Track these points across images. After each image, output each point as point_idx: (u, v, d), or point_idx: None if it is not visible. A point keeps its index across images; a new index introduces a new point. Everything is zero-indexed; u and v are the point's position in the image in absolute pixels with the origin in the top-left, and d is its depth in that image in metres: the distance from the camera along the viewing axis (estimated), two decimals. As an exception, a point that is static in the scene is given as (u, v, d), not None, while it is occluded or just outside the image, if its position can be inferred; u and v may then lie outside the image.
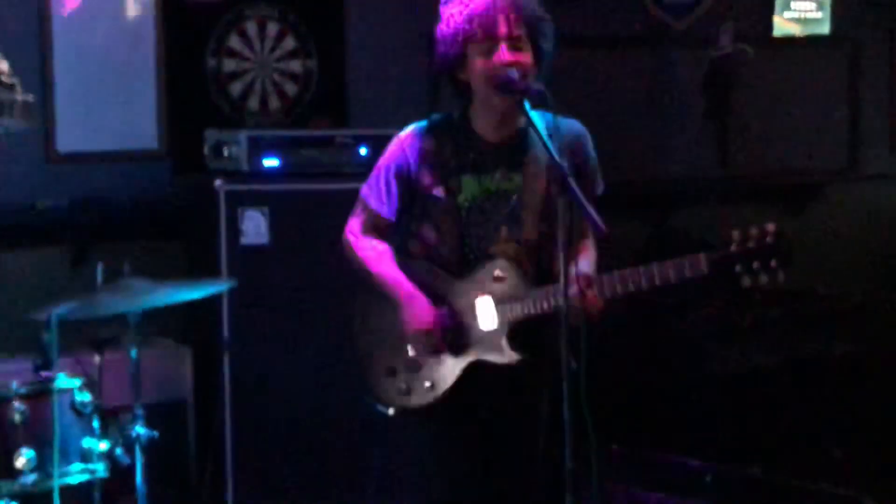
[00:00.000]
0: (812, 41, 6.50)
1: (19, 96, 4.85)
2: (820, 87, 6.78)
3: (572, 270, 3.07)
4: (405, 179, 3.36)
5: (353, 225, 3.46)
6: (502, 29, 3.20)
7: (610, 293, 3.18)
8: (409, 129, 3.41)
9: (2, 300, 4.09)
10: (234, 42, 5.30)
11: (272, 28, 5.37)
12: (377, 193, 3.40)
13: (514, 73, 3.17)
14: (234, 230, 4.63)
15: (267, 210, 4.68)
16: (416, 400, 3.33)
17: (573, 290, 3.05)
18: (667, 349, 5.77)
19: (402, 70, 5.55)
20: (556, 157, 3.03)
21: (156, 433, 3.82)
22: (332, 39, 5.48)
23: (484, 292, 3.29)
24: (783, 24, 6.35)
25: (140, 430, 3.78)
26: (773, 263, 3.03)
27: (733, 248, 3.07)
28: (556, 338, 2.96)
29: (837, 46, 6.71)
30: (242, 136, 4.74)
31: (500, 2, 3.22)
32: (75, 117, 4.96)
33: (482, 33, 3.20)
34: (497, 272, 3.28)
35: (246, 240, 4.66)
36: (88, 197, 4.92)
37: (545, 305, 3.22)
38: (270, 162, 4.74)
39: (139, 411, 3.78)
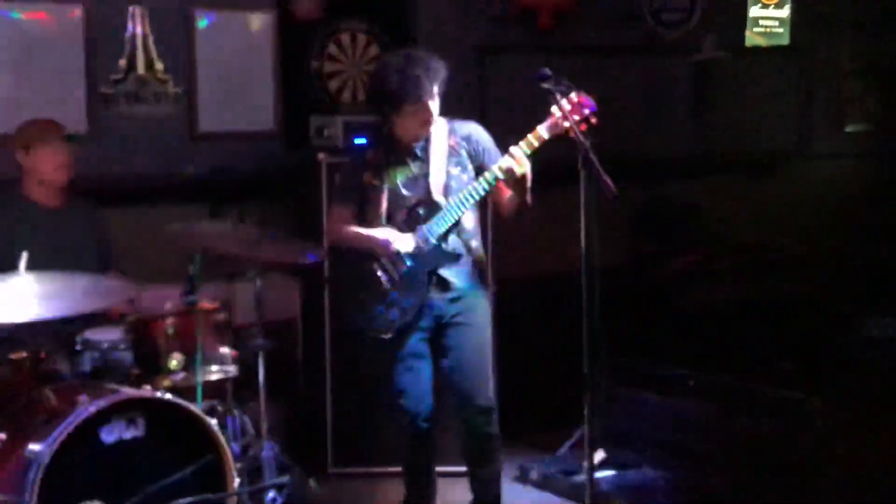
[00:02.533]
0: (775, 49, 6.39)
1: (171, 89, 4.87)
2: (780, 84, 6.67)
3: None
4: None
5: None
6: (428, 97, 3.52)
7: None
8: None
9: (158, 243, 4.10)
10: (332, 49, 5.26)
11: (361, 38, 5.32)
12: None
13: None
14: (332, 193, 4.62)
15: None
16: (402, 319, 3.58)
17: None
18: (657, 288, 5.74)
19: (459, 74, 5.46)
20: (580, 136, 3.08)
21: (273, 343, 3.84)
22: (405, 48, 5.42)
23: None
24: (752, 37, 6.26)
25: (261, 341, 3.80)
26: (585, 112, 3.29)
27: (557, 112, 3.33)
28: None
29: (794, 54, 6.59)
30: (339, 120, 4.73)
31: (423, 76, 3.48)
32: (212, 105, 4.95)
33: (414, 99, 3.51)
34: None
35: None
36: (222, 166, 4.92)
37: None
38: (360, 140, 4.70)
39: (261, 327, 3.80)
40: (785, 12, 6.22)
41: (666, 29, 6.12)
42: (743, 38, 6.33)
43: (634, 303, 5.41)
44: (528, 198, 3.52)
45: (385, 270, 3.66)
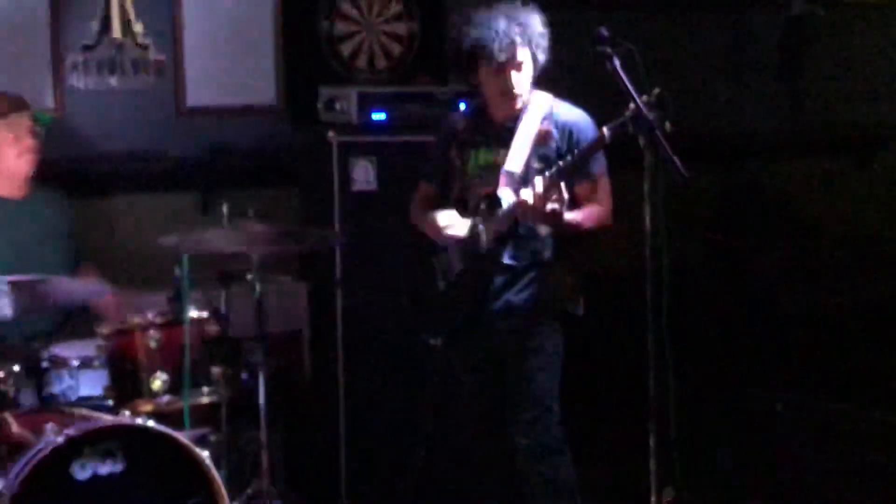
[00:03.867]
0: (880, 3, 6.33)
1: (152, 55, 4.91)
2: (889, 44, 6.60)
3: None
4: None
5: None
6: (507, 58, 3.48)
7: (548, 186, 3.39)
8: None
9: (139, 238, 4.15)
10: (345, 6, 5.28)
11: (380, -8, 5.35)
12: None
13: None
14: (346, 178, 4.65)
15: (375, 159, 4.69)
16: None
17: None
18: (740, 290, 5.71)
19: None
20: (644, 109, 3.08)
21: (275, 360, 3.86)
22: (432, 3, 5.43)
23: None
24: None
25: (262, 357, 3.81)
26: (657, 116, 3.16)
27: (626, 113, 3.21)
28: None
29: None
30: (353, 92, 4.74)
31: (504, 31, 3.46)
32: (202, 75, 4.98)
33: (488, 60, 3.48)
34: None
35: (356, 186, 4.67)
36: (214, 147, 4.96)
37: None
38: (378, 116, 4.73)
39: (261, 340, 3.82)
40: (896, -44, 6.19)
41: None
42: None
43: (712, 311, 5.38)
44: (566, 225, 3.52)
45: (442, 264, 3.70)
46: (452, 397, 3.86)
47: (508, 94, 3.59)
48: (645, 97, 3.13)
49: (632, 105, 3.18)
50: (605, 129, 3.34)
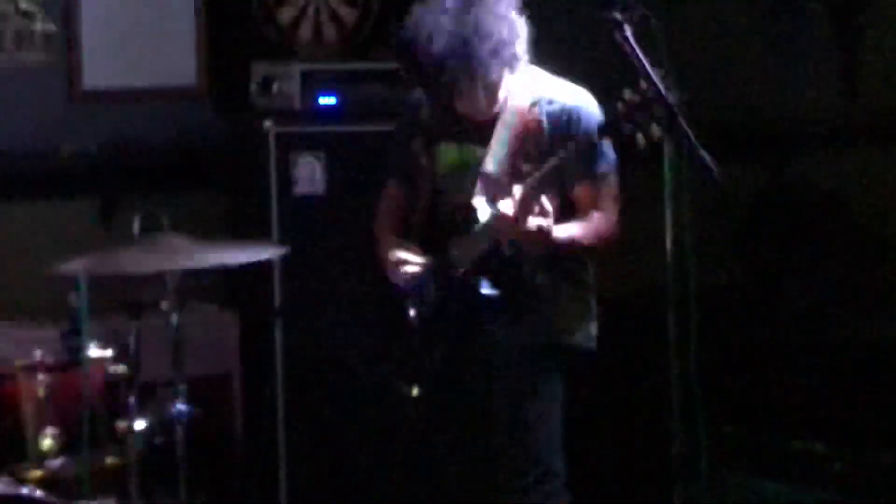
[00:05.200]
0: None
1: (39, 25, 4.90)
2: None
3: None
4: None
5: None
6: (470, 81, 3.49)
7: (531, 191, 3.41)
8: None
9: (24, 258, 4.12)
10: (284, -39, 5.31)
11: (327, -56, 5.36)
12: None
13: None
14: (286, 178, 4.66)
15: (322, 155, 4.70)
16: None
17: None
18: (786, 317, 5.73)
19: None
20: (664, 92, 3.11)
21: (198, 410, 3.85)
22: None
23: None
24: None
25: (180, 406, 3.81)
26: (655, 110, 3.21)
27: (619, 107, 3.28)
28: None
29: None
30: (294, 69, 4.75)
31: (456, 48, 3.44)
32: (103, 50, 4.98)
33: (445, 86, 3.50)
34: None
35: (299, 189, 4.69)
36: (119, 141, 4.95)
37: None
38: (326, 100, 4.74)
39: (180, 385, 3.81)
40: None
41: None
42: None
43: (749, 342, 5.40)
44: (558, 245, 3.54)
45: (414, 299, 3.70)
46: (430, 460, 3.84)
47: (495, 101, 3.61)
48: (663, 72, 3.15)
49: (627, 92, 3.20)
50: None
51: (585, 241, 3.60)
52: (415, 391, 3.67)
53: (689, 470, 3.15)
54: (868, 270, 6.02)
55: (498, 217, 3.45)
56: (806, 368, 5.48)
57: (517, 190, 3.42)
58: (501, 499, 3.70)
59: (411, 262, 3.66)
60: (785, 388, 5.30)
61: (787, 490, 4.58)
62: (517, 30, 3.55)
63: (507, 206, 3.42)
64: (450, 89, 3.52)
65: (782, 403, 5.16)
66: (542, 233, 3.42)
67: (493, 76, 3.53)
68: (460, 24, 3.46)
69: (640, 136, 3.25)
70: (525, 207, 3.39)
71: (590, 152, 3.55)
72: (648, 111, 3.23)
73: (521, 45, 3.56)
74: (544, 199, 3.39)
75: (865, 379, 5.38)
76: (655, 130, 3.22)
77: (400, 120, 3.89)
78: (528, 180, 3.43)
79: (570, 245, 3.58)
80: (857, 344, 5.67)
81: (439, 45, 3.45)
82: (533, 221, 3.40)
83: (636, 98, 3.26)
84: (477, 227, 3.58)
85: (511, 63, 3.54)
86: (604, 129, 3.40)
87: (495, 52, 3.49)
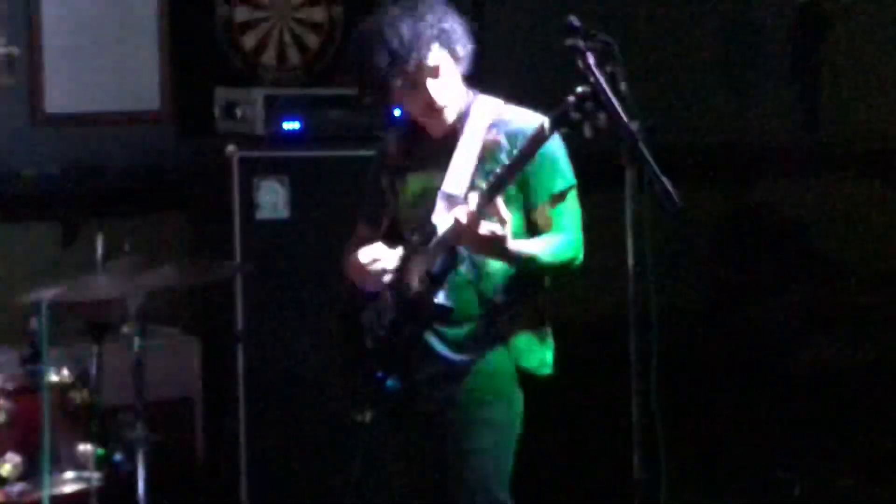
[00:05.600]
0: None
1: (1, 49, 4.89)
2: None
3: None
4: None
5: None
6: (415, 66, 3.49)
7: (482, 203, 3.40)
8: None
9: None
10: (248, -14, 5.32)
11: (292, -31, 5.38)
12: None
13: None
14: (249, 203, 4.65)
15: (286, 180, 4.69)
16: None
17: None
18: (747, 341, 5.75)
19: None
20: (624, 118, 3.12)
21: (160, 435, 3.83)
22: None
23: None
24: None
25: (142, 432, 3.79)
26: (602, 98, 3.20)
27: (569, 98, 3.26)
28: None
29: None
30: (258, 94, 4.75)
31: (402, 36, 3.48)
32: (66, 73, 4.97)
33: (394, 76, 3.49)
34: None
35: (262, 214, 4.67)
36: (81, 164, 4.94)
37: None
38: (290, 125, 4.74)
39: (141, 410, 3.79)
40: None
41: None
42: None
43: (712, 368, 5.42)
44: (515, 256, 3.55)
45: (371, 319, 3.69)
46: (382, 488, 3.82)
47: (434, 109, 3.62)
48: (625, 99, 3.16)
49: (580, 89, 3.22)
50: (545, 120, 3.37)
51: (544, 259, 3.60)
52: (367, 417, 3.65)
53: (650, 496, 3.15)
54: (828, 295, 6.05)
55: (456, 223, 3.46)
56: (767, 393, 5.51)
57: (472, 196, 3.44)
58: None
59: (383, 256, 3.65)
60: (745, 410, 5.32)
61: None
62: (460, 29, 3.59)
63: (461, 213, 3.44)
64: (400, 78, 3.51)
65: (742, 425, 5.17)
66: (497, 238, 3.43)
67: (437, 59, 3.53)
68: (406, 18, 3.51)
69: (587, 126, 3.26)
70: (480, 213, 3.40)
71: (549, 171, 3.57)
72: (597, 102, 3.24)
73: (465, 44, 3.59)
74: (502, 207, 3.41)
75: (825, 403, 5.41)
76: (602, 120, 3.25)
77: (371, 163, 3.90)
78: (484, 184, 3.44)
79: (528, 260, 3.57)
80: (817, 368, 5.71)
81: (388, 37, 3.49)
82: (487, 226, 3.41)
83: (587, 90, 3.26)
84: (434, 240, 3.59)
85: (453, 50, 3.57)
86: (555, 122, 3.36)
87: (437, 37, 3.52)
